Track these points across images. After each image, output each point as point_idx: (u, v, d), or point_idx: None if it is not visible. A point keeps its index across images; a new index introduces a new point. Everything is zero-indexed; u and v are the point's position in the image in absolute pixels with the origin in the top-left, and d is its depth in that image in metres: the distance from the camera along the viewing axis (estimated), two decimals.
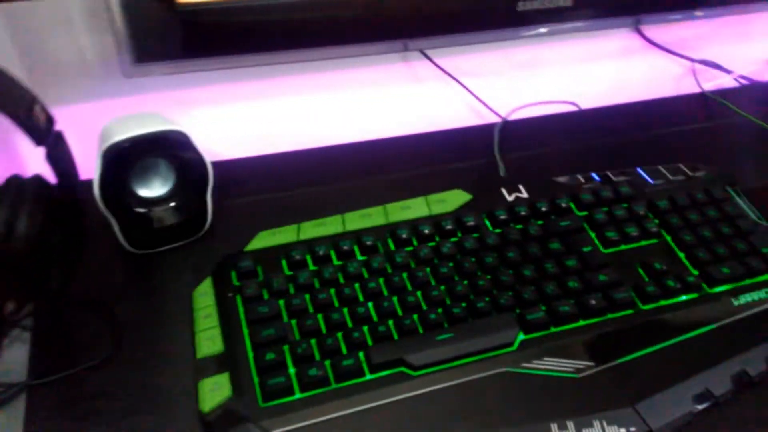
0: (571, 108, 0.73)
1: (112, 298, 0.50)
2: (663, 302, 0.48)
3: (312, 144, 0.64)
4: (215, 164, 0.52)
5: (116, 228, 0.50)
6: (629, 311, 0.47)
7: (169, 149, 0.50)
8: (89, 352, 0.46)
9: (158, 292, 0.50)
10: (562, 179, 0.58)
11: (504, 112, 0.69)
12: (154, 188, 0.51)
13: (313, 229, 0.51)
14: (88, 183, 0.47)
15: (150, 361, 0.46)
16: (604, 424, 0.41)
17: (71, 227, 0.37)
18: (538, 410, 0.42)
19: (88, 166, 0.47)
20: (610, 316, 0.47)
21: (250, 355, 0.43)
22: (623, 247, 0.52)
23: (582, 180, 0.58)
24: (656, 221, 0.54)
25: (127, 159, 0.49)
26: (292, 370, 0.42)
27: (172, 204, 0.51)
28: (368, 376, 0.42)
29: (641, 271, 0.50)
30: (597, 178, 0.58)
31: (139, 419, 0.42)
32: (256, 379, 0.41)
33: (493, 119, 0.69)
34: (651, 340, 0.46)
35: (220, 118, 0.66)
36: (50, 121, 0.34)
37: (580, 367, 0.44)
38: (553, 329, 0.46)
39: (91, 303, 0.49)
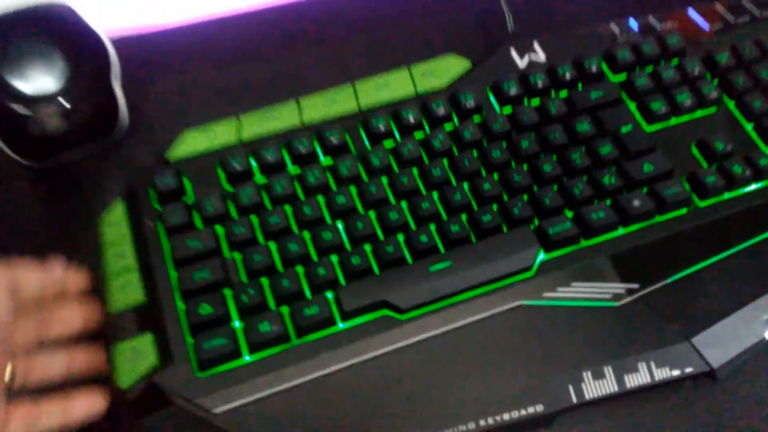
0: None
1: (4, 229, 0.38)
2: (727, 195, 0.37)
3: (243, 5, 0.49)
4: (117, 42, 0.38)
5: None
6: (682, 210, 0.36)
7: (51, 29, 0.36)
8: None
9: (62, 220, 0.39)
10: (589, 30, 0.43)
11: None
12: (36, 81, 0.38)
13: (258, 124, 0.38)
14: None
15: None
16: (653, 366, 0.32)
17: None
18: (567, 354, 0.32)
19: None
20: (657, 219, 0.36)
21: (180, 306, 0.32)
22: (673, 121, 0.39)
23: (616, 30, 0.43)
24: (715, 82, 0.41)
25: None
26: (237, 325, 0.32)
27: (65, 101, 0.38)
28: (341, 326, 0.32)
29: (697, 154, 0.38)
30: (635, 26, 0.44)
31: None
32: (189, 341, 0.31)
33: None
34: (711, 248, 0.35)
35: None
36: None
37: (620, 291, 0.33)
38: (583, 243, 0.35)
39: None
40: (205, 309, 0.31)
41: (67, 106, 0.37)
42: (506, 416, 0.30)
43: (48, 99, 0.37)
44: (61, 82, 0.37)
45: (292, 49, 0.45)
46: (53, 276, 0.30)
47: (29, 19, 0.36)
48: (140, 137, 0.42)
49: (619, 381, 0.31)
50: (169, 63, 0.44)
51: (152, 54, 0.44)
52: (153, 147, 0.40)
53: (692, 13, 0.45)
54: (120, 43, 0.39)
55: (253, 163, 0.36)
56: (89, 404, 0.29)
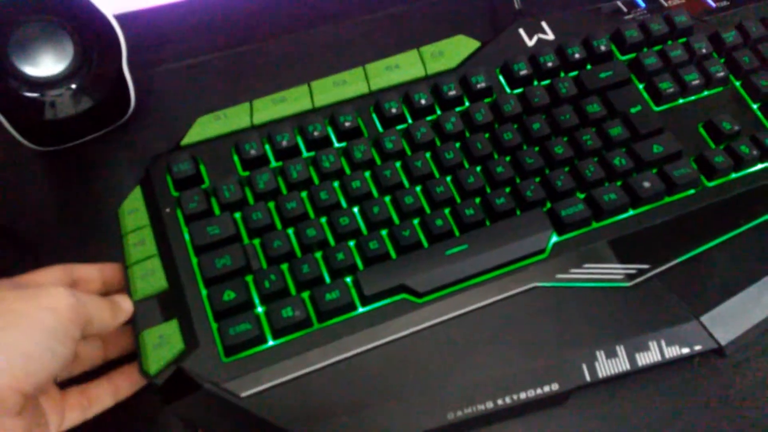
0: None
1: (15, 215, 0.38)
2: (734, 175, 0.37)
3: None
4: (122, 18, 0.37)
5: (5, 121, 0.37)
6: (690, 191, 0.37)
7: (58, 10, 0.36)
8: None
9: (77, 204, 0.39)
10: (596, 8, 0.44)
11: None
12: (44, 65, 0.37)
13: (270, 108, 0.38)
14: None
15: None
16: (663, 344, 0.33)
17: None
18: (580, 334, 0.33)
19: None
20: (667, 200, 0.36)
21: (203, 291, 0.32)
22: (680, 101, 0.40)
23: (623, 7, 0.43)
24: (722, 61, 0.41)
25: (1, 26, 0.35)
26: (260, 310, 0.32)
27: (73, 85, 0.38)
28: (360, 310, 0.33)
29: (705, 134, 0.39)
30: (642, 3, 0.44)
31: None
32: (214, 326, 0.32)
33: None
34: (718, 228, 0.36)
35: None
36: None
37: (631, 272, 0.34)
38: (594, 225, 0.35)
39: None
40: (229, 295, 0.32)
41: (78, 89, 0.37)
42: (522, 395, 0.32)
43: (57, 82, 0.37)
44: (71, 65, 0.37)
45: (299, 30, 0.45)
46: (125, 314, 0.31)
47: (36, 1, 0.36)
48: (147, 121, 0.42)
49: (631, 359, 0.32)
50: (173, 45, 0.44)
51: (155, 35, 0.43)
52: (161, 131, 0.40)
53: None
54: (122, 23, 0.39)
55: (267, 147, 0.36)
56: (132, 382, 0.32)
